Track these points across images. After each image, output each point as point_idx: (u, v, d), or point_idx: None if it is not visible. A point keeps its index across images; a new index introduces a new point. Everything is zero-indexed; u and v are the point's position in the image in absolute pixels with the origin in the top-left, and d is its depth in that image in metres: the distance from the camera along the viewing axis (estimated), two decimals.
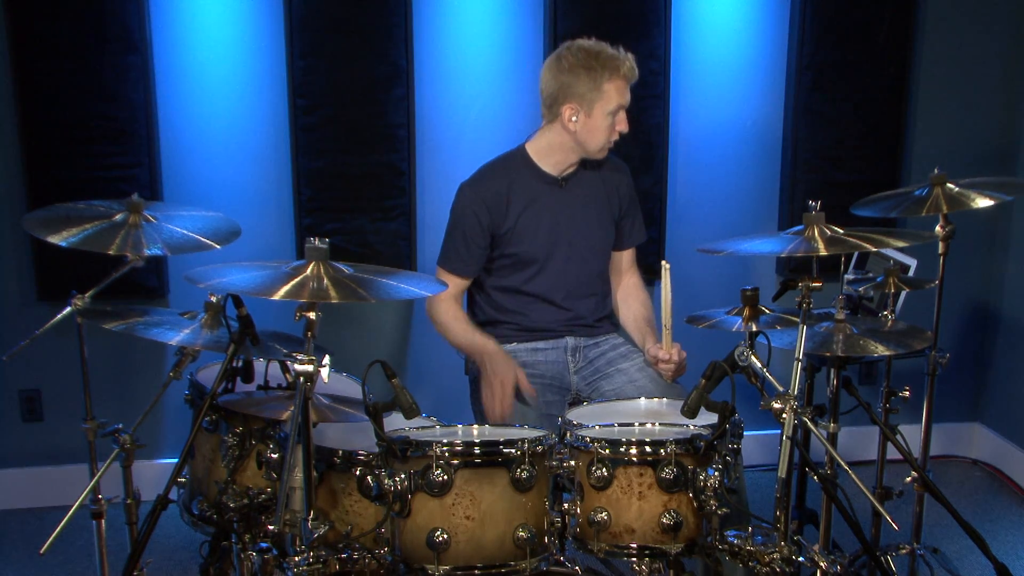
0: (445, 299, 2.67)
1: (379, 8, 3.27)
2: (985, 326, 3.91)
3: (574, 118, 2.55)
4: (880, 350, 2.18)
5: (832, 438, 2.41)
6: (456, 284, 2.69)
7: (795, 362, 1.90)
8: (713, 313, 2.24)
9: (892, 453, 2.59)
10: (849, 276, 2.74)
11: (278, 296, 1.74)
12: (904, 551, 2.72)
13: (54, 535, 2.01)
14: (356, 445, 2.01)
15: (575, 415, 2.19)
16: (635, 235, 2.85)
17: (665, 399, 2.37)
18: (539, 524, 1.90)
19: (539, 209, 2.66)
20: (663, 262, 2.44)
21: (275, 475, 2.05)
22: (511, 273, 2.70)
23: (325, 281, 1.79)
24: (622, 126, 2.58)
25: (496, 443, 1.88)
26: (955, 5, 3.63)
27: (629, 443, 1.92)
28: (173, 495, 2.00)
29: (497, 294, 2.73)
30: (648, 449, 1.91)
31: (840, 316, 2.25)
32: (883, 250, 2.76)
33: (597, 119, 2.54)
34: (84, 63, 3.17)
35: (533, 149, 2.68)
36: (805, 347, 1.91)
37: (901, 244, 2.10)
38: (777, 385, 1.89)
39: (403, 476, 1.84)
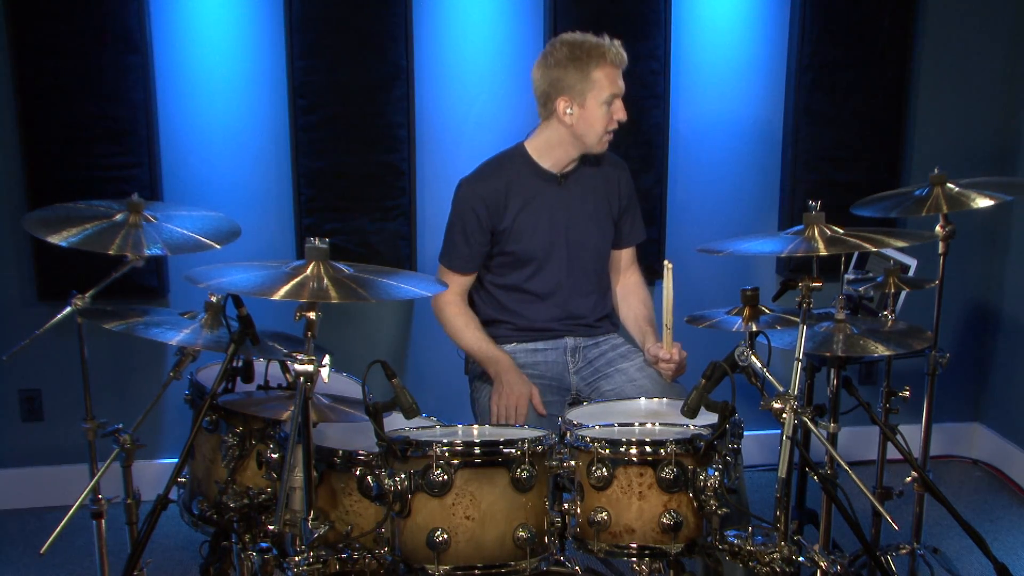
0: (451, 300, 2.67)
1: (379, 8, 3.27)
2: (985, 326, 3.91)
3: (569, 111, 2.55)
4: (880, 350, 2.18)
5: (832, 438, 2.41)
6: (459, 281, 2.70)
7: (795, 362, 1.90)
8: (713, 313, 2.23)
9: (892, 453, 2.59)
10: (849, 276, 2.74)
11: (278, 296, 1.74)
12: (904, 551, 2.72)
13: (54, 535, 2.01)
14: (356, 445, 2.01)
15: (575, 415, 2.20)
16: (635, 234, 2.84)
17: (665, 399, 2.37)
18: (539, 524, 1.90)
19: (537, 207, 2.65)
20: (666, 262, 2.44)
21: (275, 475, 2.05)
22: (510, 271, 2.70)
23: (325, 281, 1.79)
24: (620, 115, 2.57)
25: (496, 443, 1.88)
26: (955, 5, 3.63)
27: (629, 443, 1.92)
28: (173, 495, 2.00)
29: (497, 291, 2.73)
30: (648, 449, 1.91)
31: (840, 316, 2.25)
32: (883, 250, 2.76)
33: (592, 109, 2.54)
34: (84, 63, 3.17)
35: (532, 147, 2.67)
36: (805, 347, 1.91)
37: (901, 244, 2.09)
38: (777, 385, 1.89)
39: (403, 476, 1.84)
